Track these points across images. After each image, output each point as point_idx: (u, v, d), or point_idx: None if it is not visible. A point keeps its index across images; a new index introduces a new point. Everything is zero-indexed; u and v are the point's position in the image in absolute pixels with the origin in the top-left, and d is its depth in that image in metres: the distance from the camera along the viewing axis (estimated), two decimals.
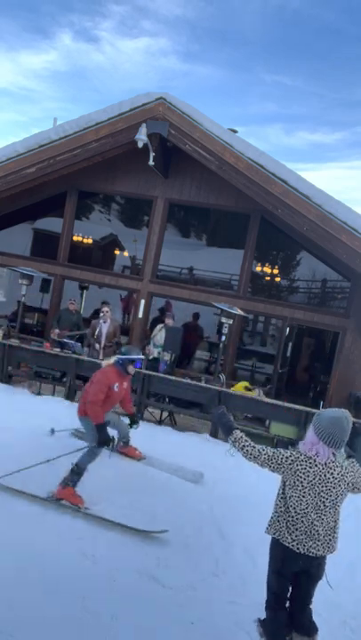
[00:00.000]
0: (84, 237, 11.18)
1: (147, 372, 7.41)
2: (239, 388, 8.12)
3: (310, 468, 2.68)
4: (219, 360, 8.58)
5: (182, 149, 8.71)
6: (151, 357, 8.56)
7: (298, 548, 2.70)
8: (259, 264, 9.81)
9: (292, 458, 2.73)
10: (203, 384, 7.55)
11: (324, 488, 2.67)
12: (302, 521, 2.69)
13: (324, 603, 3.60)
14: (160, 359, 8.42)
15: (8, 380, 8.14)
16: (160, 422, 7.73)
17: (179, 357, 8.78)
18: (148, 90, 8.82)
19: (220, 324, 8.37)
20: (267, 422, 7.18)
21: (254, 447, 2.81)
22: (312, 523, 2.68)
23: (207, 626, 3.10)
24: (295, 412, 6.80)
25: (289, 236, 9.08)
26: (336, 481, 2.67)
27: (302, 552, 2.69)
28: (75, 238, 10.85)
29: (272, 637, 2.87)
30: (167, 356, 8.20)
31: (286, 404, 6.92)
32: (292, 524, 2.73)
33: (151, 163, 8.79)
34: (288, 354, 9.81)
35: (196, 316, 10.52)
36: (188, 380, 7.53)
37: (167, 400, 7.67)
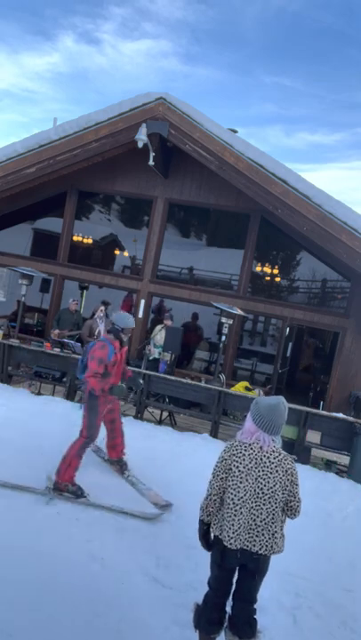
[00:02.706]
0: (84, 237, 11.18)
1: (147, 371, 7.41)
2: (239, 388, 8.13)
3: (245, 451, 2.66)
4: (219, 360, 8.58)
5: (182, 149, 8.71)
6: (151, 357, 8.57)
7: (234, 544, 2.61)
8: (259, 264, 9.81)
9: (228, 449, 2.73)
10: (203, 384, 7.55)
11: (262, 473, 2.62)
12: (241, 512, 2.60)
13: (324, 603, 3.62)
14: (160, 359, 8.42)
15: (8, 380, 8.14)
16: (160, 422, 7.73)
17: (179, 357, 8.78)
18: (148, 91, 8.81)
19: (220, 324, 8.37)
20: None
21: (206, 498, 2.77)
22: (250, 511, 2.61)
23: None
24: (295, 412, 6.79)
25: (289, 236, 9.09)
26: (273, 466, 2.63)
27: (238, 547, 2.62)
28: (75, 238, 10.85)
29: (201, 631, 2.80)
30: (167, 356, 8.20)
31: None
32: (232, 514, 2.62)
33: (151, 163, 8.79)
34: (288, 354, 9.81)
35: (195, 316, 10.52)
36: (188, 380, 7.53)
37: (167, 400, 7.66)
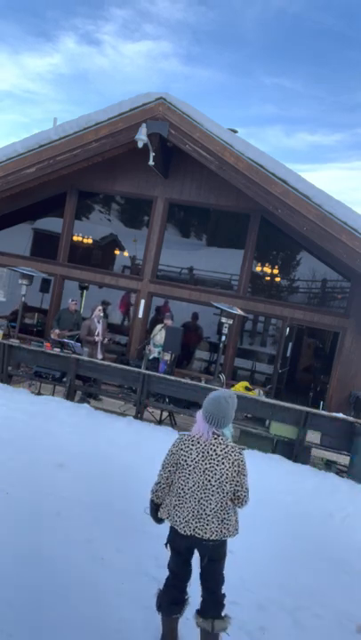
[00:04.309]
0: (84, 237, 11.18)
1: (147, 371, 7.41)
2: (239, 388, 8.13)
3: (193, 445, 2.76)
4: (219, 360, 8.58)
5: (182, 149, 8.71)
6: (151, 357, 8.57)
7: (185, 531, 2.71)
8: (259, 264, 9.81)
9: (177, 443, 2.84)
10: (203, 384, 7.55)
11: (209, 465, 2.71)
12: (190, 501, 2.72)
13: (323, 603, 3.62)
14: (160, 359, 8.43)
15: (8, 380, 8.14)
16: (160, 422, 7.73)
17: (179, 357, 8.78)
18: (149, 91, 8.81)
19: (220, 324, 8.37)
20: (267, 422, 7.18)
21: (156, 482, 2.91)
22: (199, 502, 2.71)
23: None
24: (295, 412, 6.80)
25: (289, 236, 9.09)
26: (220, 458, 2.70)
27: (189, 534, 2.71)
28: (75, 238, 10.85)
29: (162, 613, 2.89)
30: (167, 356, 8.20)
31: (286, 404, 6.92)
32: (181, 503, 2.74)
33: (151, 163, 8.79)
34: (288, 354, 9.81)
35: (195, 316, 10.52)
36: (188, 380, 7.53)
37: (167, 400, 7.66)
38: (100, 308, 8.63)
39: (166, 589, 2.92)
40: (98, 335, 8.47)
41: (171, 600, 2.87)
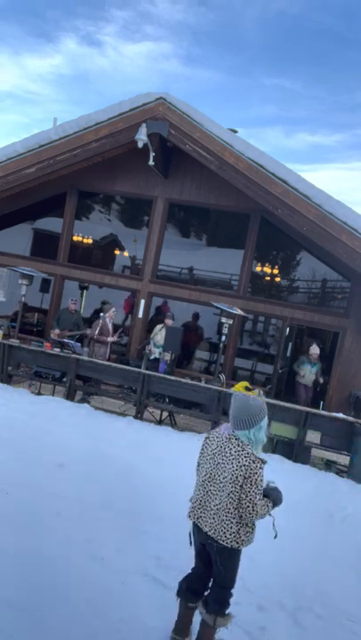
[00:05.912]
0: (84, 237, 11.18)
1: (147, 371, 7.41)
2: (239, 388, 8.10)
3: (215, 439, 2.89)
4: (219, 360, 8.58)
5: (182, 149, 8.71)
6: (152, 357, 8.57)
7: (190, 515, 2.87)
8: (259, 264, 9.81)
9: (206, 436, 2.99)
10: (203, 384, 7.55)
11: (221, 460, 2.77)
12: (200, 489, 2.85)
13: (324, 603, 3.62)
14: (160, 359, 8.43)
15: (8, 380, 8.14)
16: (160, 422, 7.73)
17: (179, 357, 8.78)
18: (149, 91, 8.81)
19: (220, 324, 8.37)
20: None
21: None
22: (207, 493, 2.80)
23: None
24: (295, 412, 6.79)
25: (289, 236, 9.09)
26: (232, 457, 2.73)
27: (194, 520, 2.85)
28: (75, 238, 10.85)
29: (180, 597, 3.01)
30: (167, 356, 8.20)
31: (286, 404, 6.92)
32: (197, 489, 2.90)
33: (151, 163, 8.79)
34: (288, 354, 9.81)
35: (196, 316, 10.52)
36: (188, 380, 7.53)
37: (167, 400, 7.66)
38: (114, 309, 8.74)
39: (189, 576, 3.02)
40: (108, 334, 8.58)
41: (189, 587, 2.97)
